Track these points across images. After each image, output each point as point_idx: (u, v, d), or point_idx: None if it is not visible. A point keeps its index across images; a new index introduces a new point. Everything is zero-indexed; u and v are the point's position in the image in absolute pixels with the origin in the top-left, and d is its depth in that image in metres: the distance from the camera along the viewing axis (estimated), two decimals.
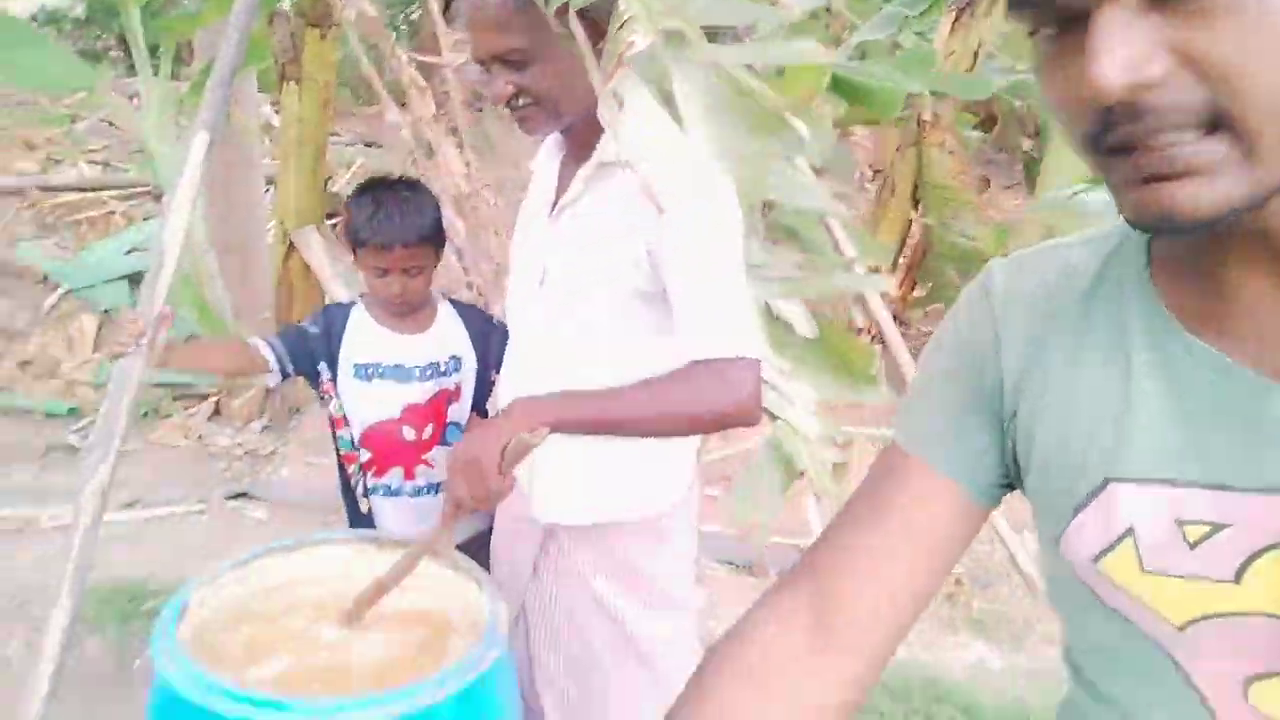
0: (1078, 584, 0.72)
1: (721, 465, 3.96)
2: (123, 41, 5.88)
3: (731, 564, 3.39)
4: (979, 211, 4.46)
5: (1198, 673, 0.68)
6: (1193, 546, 0.65)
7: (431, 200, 1.98)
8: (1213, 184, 0.56)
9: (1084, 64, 0.56)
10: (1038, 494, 0.76)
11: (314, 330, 1.98)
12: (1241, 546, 0.63)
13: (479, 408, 2.06)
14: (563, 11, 1.40)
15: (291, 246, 3.89)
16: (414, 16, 9.80)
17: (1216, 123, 0.55)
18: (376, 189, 1.94)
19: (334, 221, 4.80)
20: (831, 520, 0.85)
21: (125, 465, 1.73)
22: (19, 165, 5.37)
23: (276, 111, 4.77)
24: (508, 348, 1.74)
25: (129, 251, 4.80)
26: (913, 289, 5.08)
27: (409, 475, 2.00)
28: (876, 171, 5.46)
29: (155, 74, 3.54)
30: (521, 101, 1.49)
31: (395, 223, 1.87)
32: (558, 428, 1.36)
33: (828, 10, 4.04)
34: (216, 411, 4.07)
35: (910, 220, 4.83)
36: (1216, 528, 0.64)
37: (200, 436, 3.93)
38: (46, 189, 5.14)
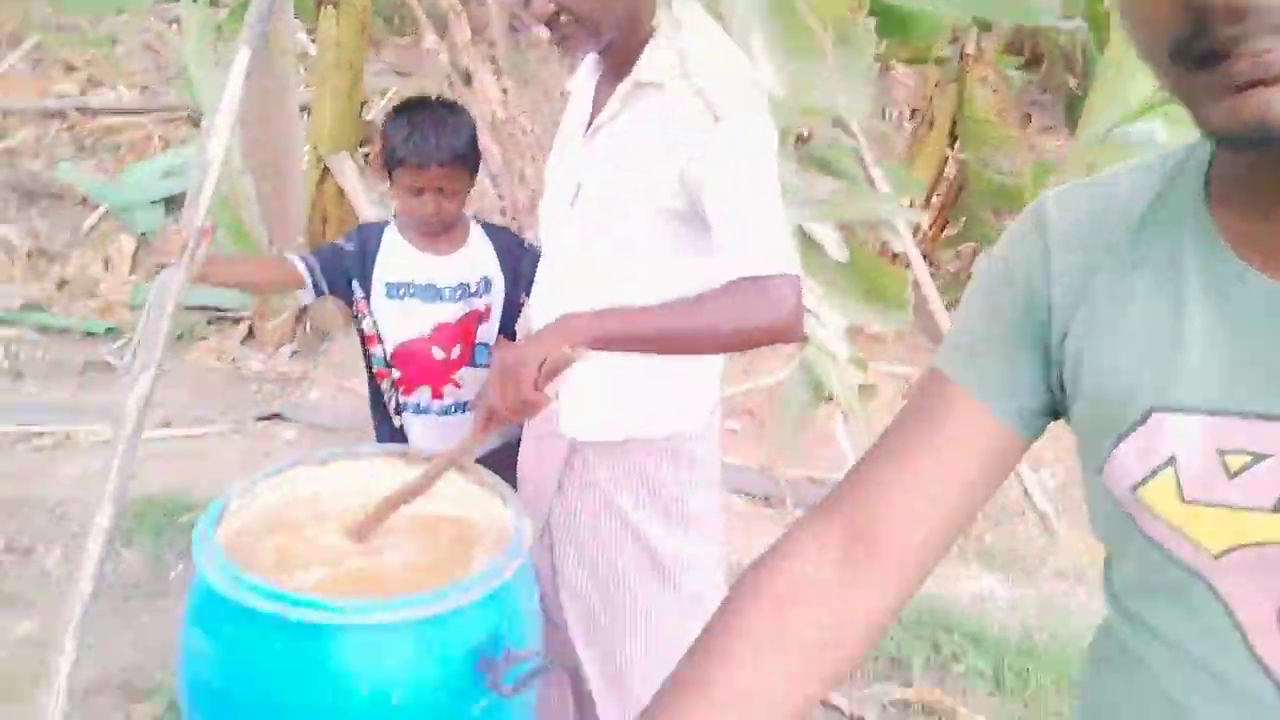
0: (1119, 513, 0.72)
1: (743, 399, 3.98)
2: None
3: (750, 496, 3.42)
4: (1019, 148, 4.38)
5: (1234, 601, 0.68)
6: (1232, 476, 0.65)
7: (468, 121, 1.98)
8: None
9: None
10: (1083, 422, 0.76)
11: (349, 248, 2.00)
12: None
13: (507, 330, 2.08)
14: None
15: (326, 172, 3.89)
16: None
17: None
18: (413, 109, 1.94)
19: (367, 151, 4.81)
20: (869, 447, 0.84)
21: (161, 386, 1.76)
22: (59, 87, 5.39)
23: (313, 40, 4.76)
24: (540, 268, 1.75)
25: (166, 175, 4.83)
26: (944, 228, 5.02)
27: (436, 394, 2.04)
28: (915, 111, 5.35)
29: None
30: (562, 19, 1.48)
31: (431, 142, 1.88)
32: (605, 342, 1.37)
33: None
34: (250, 335, 4.13)
35: (946, 158, 4.75)
36: (1258, 458, 0.64)
37: (234, 360, 4.00)
38: (85, 111, 5.17)
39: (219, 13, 3.73)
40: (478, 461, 1.65)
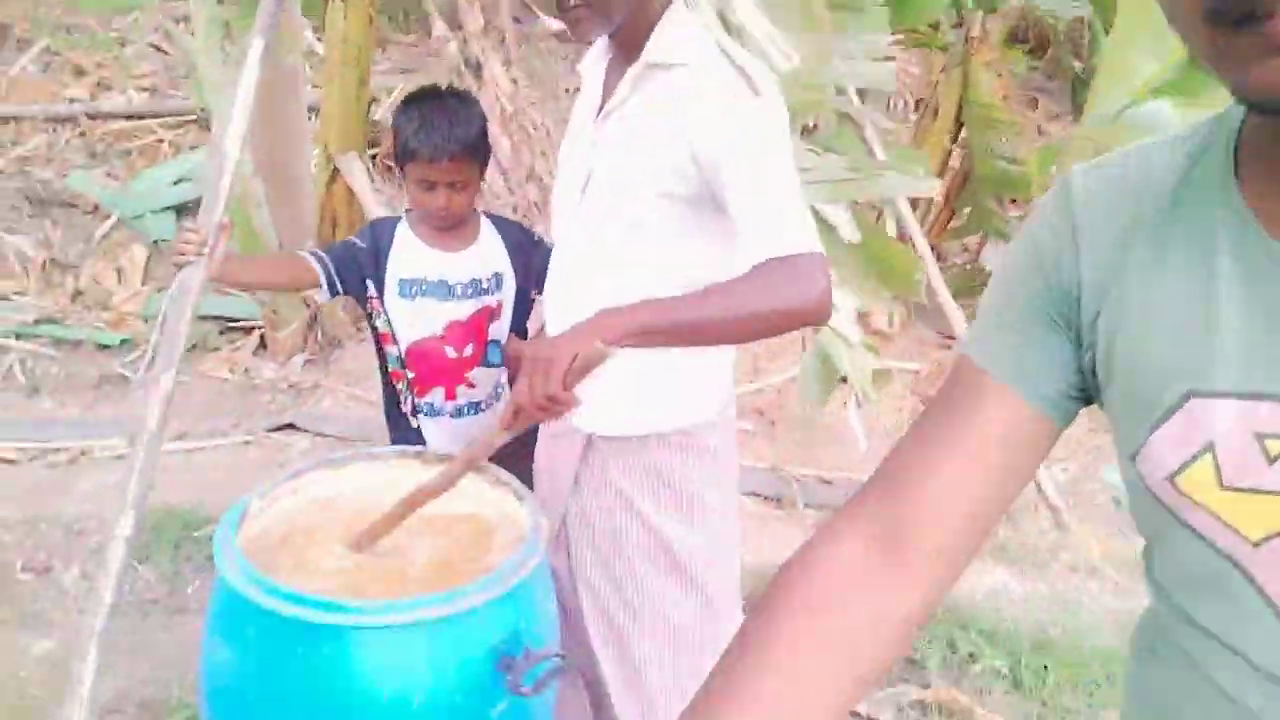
0: (1155, 501, 0.71)
1: (753, 399, 3.98)
2: None
3: (761, 496, 3.41)
4: (1024, 134, 4.36)
5: (1270, 589, 0.66)
6: (1272, 461, 0.64)
7: (478, 112, 1.98)
8: None
9: None
10: (1116, 408, 0.74)
11: (362, 245, 2.01)
12: None
13: (518, 328, 2.09)
14: None
15: (335, 174, 3.91)
16: None
17: None
18: (424, 100, 1.94)
19: (375, 152, 4.82)
20: (902, 437, 0.83)
21: (174, 396, 1.77)
22: (69, 91, 5.41)
23: (319, 39, 4.77)
24: (553, 258, 1.74)
25: (176, 182, 4.84)
26: (950, 220, 5.00)
27: (450, 395, 2.05)
28: (919, 102, 5.33)
29: None
30: (573, 2, 1.49)
31: (442, 135, 1.87)
32: (640, 335, 1.35)
33: None
34: (261, 345, 4.14)
35: (950, 149, 4.74)
36: None
37: (246, 370, 4.01)
38: (95, 116, 5.18)
39: (227, 10, 3.73)
40: (491, 459, 1.65)
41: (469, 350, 2.03)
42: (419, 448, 1.89)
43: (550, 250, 1.81)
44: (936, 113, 4.61)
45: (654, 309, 1.38)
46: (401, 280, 1.99)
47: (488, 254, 2.03)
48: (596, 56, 1.69)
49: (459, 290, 2.00)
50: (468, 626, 1.35)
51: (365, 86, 3.94)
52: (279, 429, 3.57)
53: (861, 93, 3.18)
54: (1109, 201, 0.74)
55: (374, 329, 2.06)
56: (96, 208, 4.71)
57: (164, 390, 1.70)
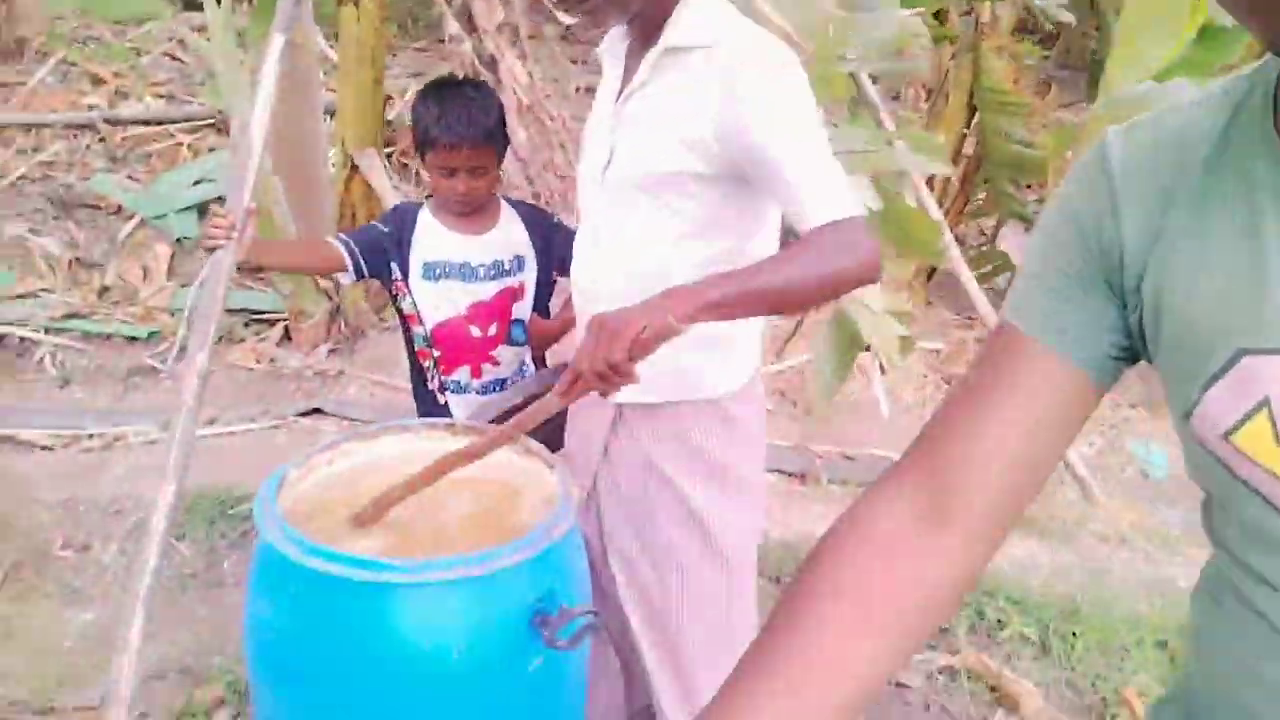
0: (1213, 458, 0.70)
1: (775, 379, 4.01)
2: None
3: (785, 473, 3.45)
4: (1038, 117, 4.37)
5: None
6: None
7: (496, 100, 2.03)
8: None
9: None
10: (1168, 367, 0.73)
11: (385, 229, 2.06)
12: None
13: (541, 308, 2.13)
14: None
15: (353, 172, 3.96)
16: None
17: None
18: (442, 89, 1.99)
19: (390, 151, 4.88)
20: (943, 403, 0.83)
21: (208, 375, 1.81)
22: (88, 100, 5.50)
23: (332, 46, 4.83)
24: (579, 237, 1.77)
25: (196, 183, 4.92)
26: (965, 204, 5.02)
27: (475, 373, 2.09)
28: (930, 92, 5.34)
29: (219, 3, 3.64)
30: None
31: (462, 122, 1.92)
32: (709, 310, 1.36)
33: None
34: (286, 337, 4.20)
35: (964, 134, 4.75)
36: None
37: (272, 360, 4.07)
38: (115, 123, 5.26)
39: (242, 18, 3.80)
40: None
41: (493, 329, 2.08)
42: (449, 419, 1.93)
43: (570, 232, 1.85)
44: (948, 98, 4.62)
45: (722, 284, 1.40)
46: (425, 263, 2.04)
47: (509, 237, 2.08)
48: (615, 40, 1.73)
49: (481, 272, 2.04)
50: (504, 584, 1.39)
51: (380, 85, 3.99)
52: (307, 414, 3.64)
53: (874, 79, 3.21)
54: (1148, 162, 0.73)
55: (399, 310, 2.10)
56: (119, 209, 4.79)
57: (199, 367, 1.76)
